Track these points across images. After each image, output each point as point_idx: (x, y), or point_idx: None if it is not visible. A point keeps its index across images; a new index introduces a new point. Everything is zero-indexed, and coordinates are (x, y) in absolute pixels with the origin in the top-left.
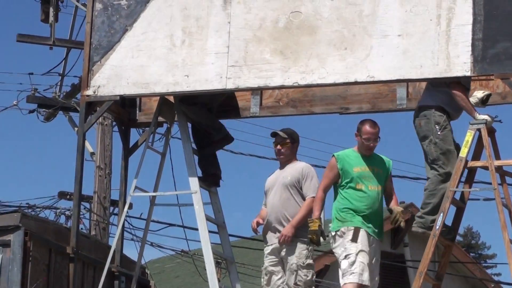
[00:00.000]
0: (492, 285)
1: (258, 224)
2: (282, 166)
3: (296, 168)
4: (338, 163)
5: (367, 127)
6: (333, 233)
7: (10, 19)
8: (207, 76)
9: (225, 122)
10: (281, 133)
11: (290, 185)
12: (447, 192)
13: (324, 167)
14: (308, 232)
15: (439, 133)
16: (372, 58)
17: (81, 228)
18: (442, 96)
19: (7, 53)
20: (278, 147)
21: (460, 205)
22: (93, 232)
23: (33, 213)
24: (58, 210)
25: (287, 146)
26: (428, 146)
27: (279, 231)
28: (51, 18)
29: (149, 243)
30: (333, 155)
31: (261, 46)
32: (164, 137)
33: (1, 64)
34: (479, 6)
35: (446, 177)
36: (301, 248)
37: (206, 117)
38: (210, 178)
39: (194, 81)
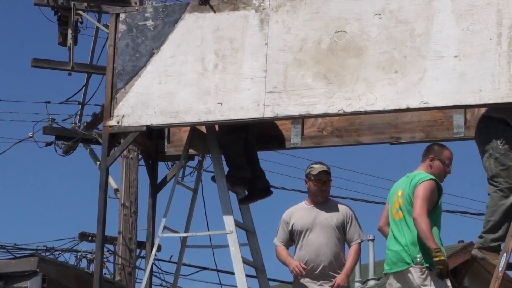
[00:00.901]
0: None
1: (303, 268)
2: (316, 203)
3: (338, 208)
4: (438, 187)
5: (448, 152)
6: (422, 266)
7: (24, 42)
8: (242, 103)
9: (264, 154)
10: (327, 168)
11: (337, 227)
12: (511, 229)
13: (373, 202)
14: (436, 264)
15: (500, 147)
16: (425, 82)
17: (105, 273)
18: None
19: (22, 80)
20: (323, 186)
21: None
22: (117, 278)
23: (51, 256)
24: (79, 253)
25: (330, 184)
26: (488, 161)
27: (324, 279)
28: (69, 41)
29: None
30: (432, 179)
31: (302, 69)
32: (196, 171)
33: (15, 92)
34: None
35: (508, 192)
36: None
37: (235, 153)
38: (259, 191)
39: (229, 109)
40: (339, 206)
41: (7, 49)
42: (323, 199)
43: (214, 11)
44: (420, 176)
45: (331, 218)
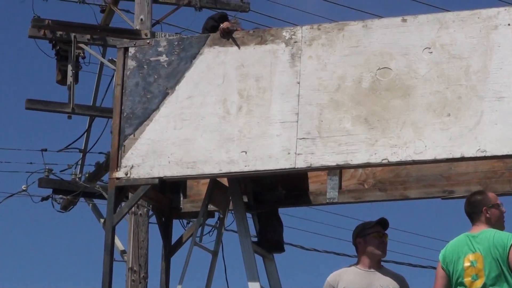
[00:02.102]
0: None
1: None
2: (371, 266)
3: (394, 276)
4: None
5: (491, 194)
6: None
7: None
8: (271, 151)
9: (294, 211)
10: (385, 220)
11: None
12: None
13: (419, 266)
14: None
15: None
16: (483, 127)
17: None
18: None
19: (14, 124)
20: (383, 238)
21: None
22: None
23: None
24: None
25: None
26: None
27: None
28: (69, 79)
29: None
30: None
31: (340, 112)
32: (216, 230)
33: (7, 138)
34: None
35: None
36: None
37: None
38: (270, 243)
39: (255, 158)
40: (395, 274)
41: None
42: (383, 254)
43: (238, 45)
44: (502, 236)
45: (387, 286)
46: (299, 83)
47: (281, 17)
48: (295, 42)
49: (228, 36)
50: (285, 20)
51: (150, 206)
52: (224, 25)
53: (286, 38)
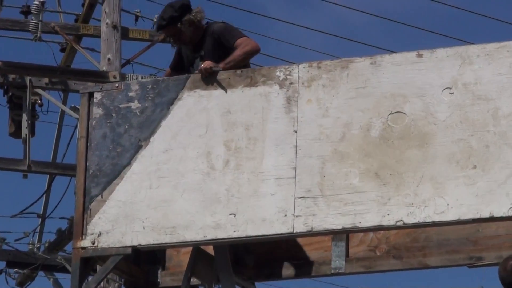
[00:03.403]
0: None
1: None
2: None
3: None
4: None
5: None
6: None
7: None
8: (264, 214)
9: (294, 283)
10: None
11: None
12: None
13: None
14: None
15: None
16: None
17: None
18: None
19: None
20: None
21: None
22: None
23: None
24: None
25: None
26: None
27: None
28: (24, 131)
29: None
30: None
31: (346, 166)
32: None
33: None
34: None
35: None
36: None
37: None
38: None
39: (245, 222)
40: None
41: None
42: None
43: (224, 88)
44: None
45: None
46: (296, 131)
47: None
48: (291, 83)
49: (211, 78)
50: (279, 57)
51: (122, 280)
52: (205, 64)
53: (280, 78)
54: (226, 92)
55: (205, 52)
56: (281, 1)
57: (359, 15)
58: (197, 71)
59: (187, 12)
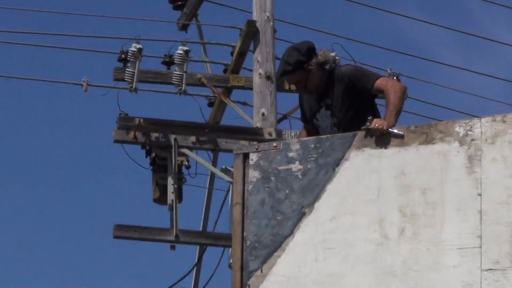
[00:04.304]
0: None
1: None
2: None
3: None
4: None
5: None
6: None
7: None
8: None
9: None
10: None
11: None
12: None
13: None
14: None
15: None
16: None
17: None
18: None
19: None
20: None
21: None
22: None
23: None
24: None
25: None
26: None
27: None
28: (170, 196)
29: None
30: None
31: None
32: None
33: (95, 265)
34: None
35: None
36: None
37: None
38: None
39: None
40: None
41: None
42: None
43: (397, 147)
44: None
45: None
46: (480, 194)
47: (451, 106)
48: (473, 139)
49: (382, 136)
50: (456, 109)
51: None
52: (378, 124)
53: (460, 134)
54: (399, 151)
55: (333, 100)
56: (452, 45)
57: None
58: (364, 129)
59: (313, 55)
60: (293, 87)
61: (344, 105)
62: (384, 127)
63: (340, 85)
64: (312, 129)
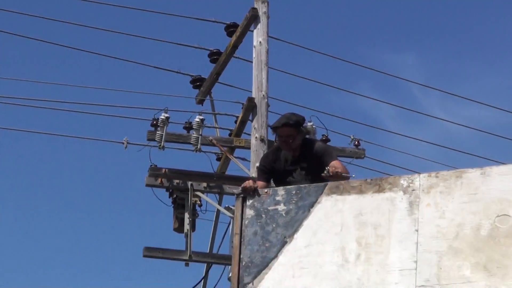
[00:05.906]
0: None
1: None
2: None
3: None
4: None
5: None
6: None
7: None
8: None
9: None
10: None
11: None
12: None
13: None
14: None
15: None
16: None
17: None
18: None
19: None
20: None
21: None
22: None
23: None
24: None
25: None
26: None
27: None
28: (186, 227)
29: None
30: None
31: (459, 260)
32: None
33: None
34: None
35: None
36: None
37: None
38: None
39: None
40: None
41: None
42: None
43: (357, 194)
44: None
45: None
46: (417, 230)
47: (396, 163)
48: (413, 190)
49: (346, 186)
50: (400, 166)
51: None
52: (336, 168)
53: (404, 186)
54: (358, 197)
55: (307, 165)
56: (396, 117)
57: (465, 129)
58: (325, 173)
59: (302, 125)
60: (281, 139)
61: (314, 171)
62: (339, 172)
63: (314, 156)
64: (266, 185)
